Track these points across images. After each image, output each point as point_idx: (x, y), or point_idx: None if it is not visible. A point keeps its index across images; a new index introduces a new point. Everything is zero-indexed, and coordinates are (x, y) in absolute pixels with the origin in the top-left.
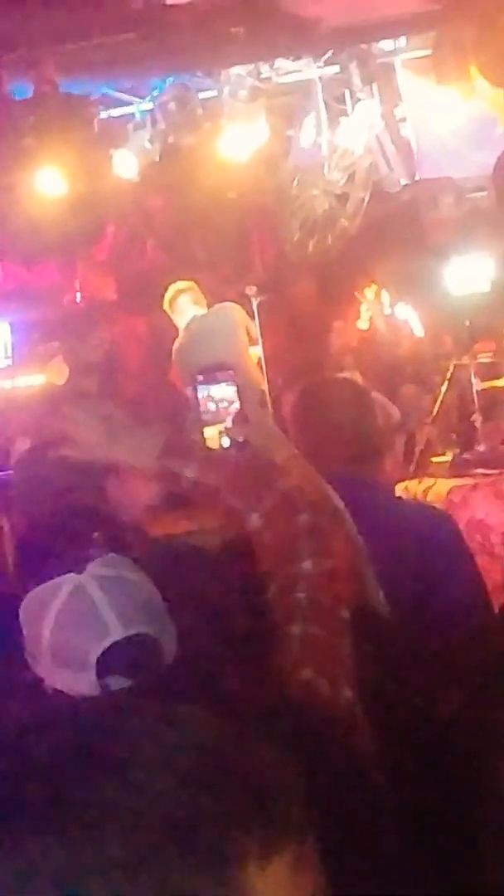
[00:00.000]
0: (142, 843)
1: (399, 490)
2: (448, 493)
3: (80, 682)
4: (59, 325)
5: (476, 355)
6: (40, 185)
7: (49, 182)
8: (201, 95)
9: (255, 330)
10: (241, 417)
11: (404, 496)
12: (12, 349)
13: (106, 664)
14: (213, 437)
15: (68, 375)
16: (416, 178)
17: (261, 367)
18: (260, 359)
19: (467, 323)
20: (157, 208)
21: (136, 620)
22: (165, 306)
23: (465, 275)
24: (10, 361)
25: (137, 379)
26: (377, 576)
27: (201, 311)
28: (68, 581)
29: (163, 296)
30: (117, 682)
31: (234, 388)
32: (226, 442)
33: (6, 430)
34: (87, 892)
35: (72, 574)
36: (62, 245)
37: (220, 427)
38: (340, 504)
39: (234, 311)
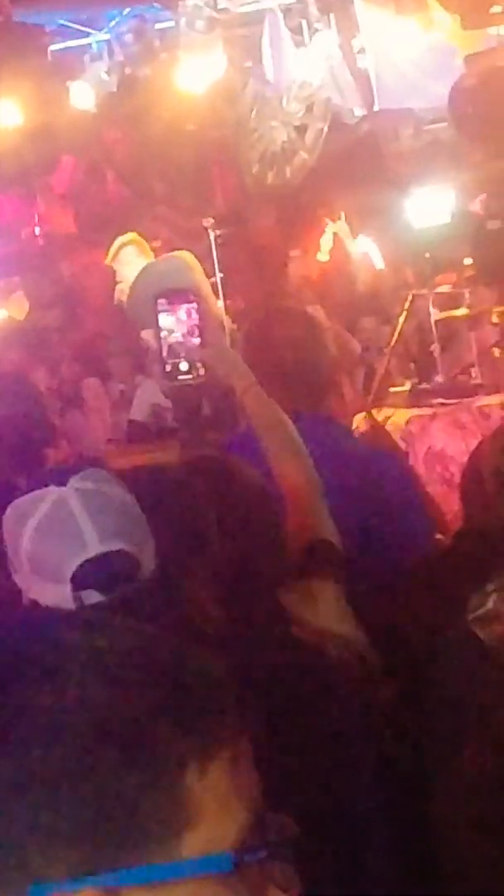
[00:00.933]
0: (77, 751)
1: (359, 421)
2: (407, 423)
3: (55, 595)
4: (18, 259)
5: (435, 287)
6: None
7: (4, 113)
8: (158, 26)
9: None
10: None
11: (363, 427)
12: None
13: (82, 578)
14: (176, 363)
15: (29, 310)
16: (375, 109)
17: (219, 300)
18: (218, 292)
19: (427, 255)
20: (115, 140)
21: (115, 536)
22: (108, 260)
23: (425, 207)
24: None
25: (98, 313)
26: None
27: (147, 261)
28: (50, 493)
29: (123, 228)
30: (92, 597)
31: (195, 309)
32: (184, 366)
33: None
34: (26, 802)
35: (53, 487)
36: (19, 176)
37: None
38: (294, 431)
39: (186, 255)
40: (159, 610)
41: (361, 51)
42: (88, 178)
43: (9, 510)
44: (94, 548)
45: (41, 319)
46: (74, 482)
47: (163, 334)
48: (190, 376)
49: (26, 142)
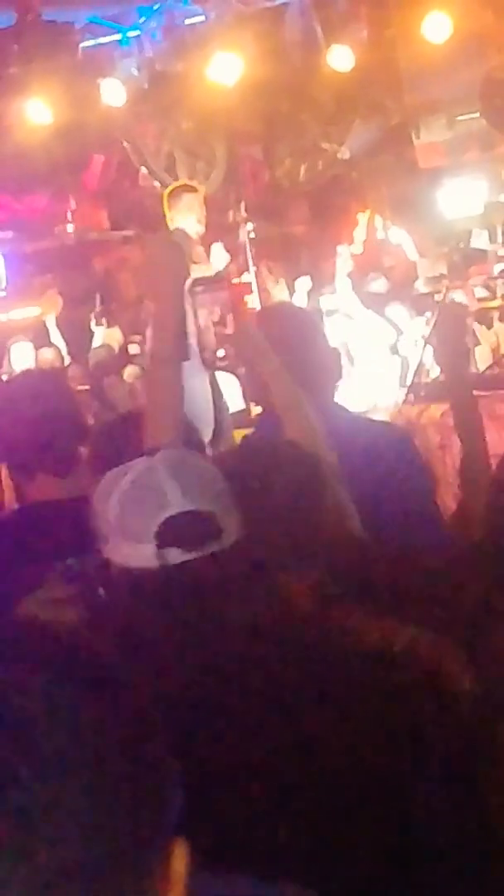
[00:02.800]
0: None
1: (393, 413)
2: (441, 415)
3: (140, 555)
4: (52, 256)
5: (469, 278)
6: (27, 114)
7: (36, 111)
8: (188, 21)
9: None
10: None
11: (398, 420)
12: (6, 281)
13: (166, 536)
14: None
15: (62, 306)
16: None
17: (253, 293)
18: (252, 286)
19: (461, 246)
20: (147, 136)
21: (199, 497)
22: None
23: (458, 198)
24: (4, 294)
25: (132, 308)
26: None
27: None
28: (138, 463)
29: (155, 225)
30: (176, 555)
31: (227, 297)
32: (220, 352)
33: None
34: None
35: (143, 458)
36: (50, 174)
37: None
38: (314, 416)
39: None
40: (243, 575)
41: (392, 42)
42: (120, 175)
43: (100, 482)
44: (178, 504)
45: (75, 316)
46: (163, 454)
47: (200, 321)
48: (225, 362)
49: (57, 139)
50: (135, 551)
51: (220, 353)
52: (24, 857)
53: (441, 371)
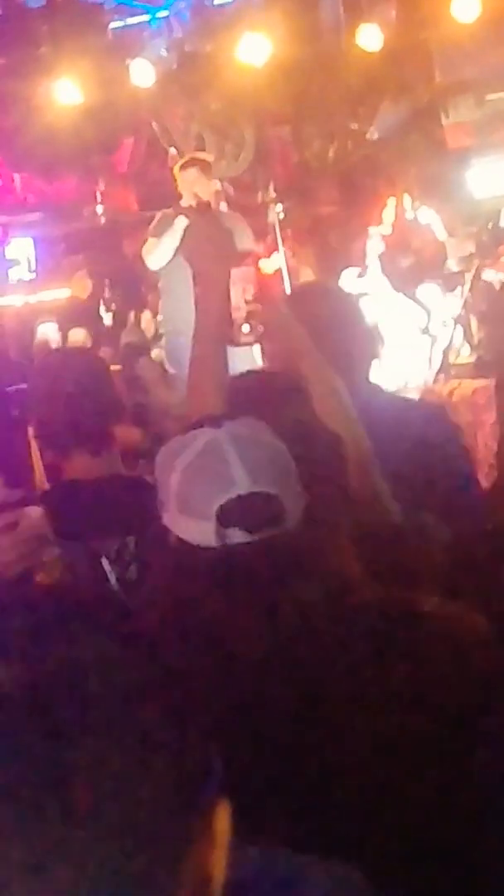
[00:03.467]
0: None
1: (424, 392)
2: (473, 393)
3: (201, 532)
4: (81, 238)
5: (498, 257)
6: (57, 95)
7: (65, 91)
8: (217, 1)
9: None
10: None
11: (429, 397)
12: (36, 263)
13: (228, 516)
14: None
15: (92, 289)
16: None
17: (282, 276)
18: (282, 268)
19: (490, 225)
20: (176, 117)
21: (264, 479)
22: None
23: (486, 177)
24: (34, 276)
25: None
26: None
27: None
28: (203, 434)
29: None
30: (237, 536)
31: (254, 273)
32: (245, 328)
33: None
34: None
35: (207, 428)
36: (80, 155)
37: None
38: (346, 396)
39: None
40: (303, 559)
41: (421, 21)
42: (149, 157)
43: (161, 451)
44: (244, 486)
45: (105, 298)
46: (229, 426)
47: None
48: (251, 338)
49: (87, 120)
50: (195, 527)
51: (245, 328)
52: (69, 811)
53: (488, 349)
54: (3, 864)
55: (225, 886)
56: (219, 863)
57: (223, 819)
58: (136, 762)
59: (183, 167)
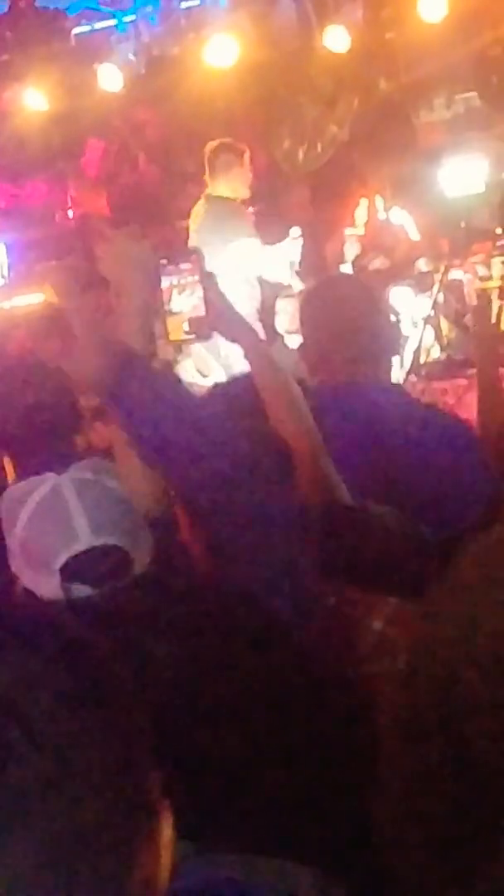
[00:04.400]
0: None
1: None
2: (442, 393)
3: (45, 585)
4: (54, 243)
5: (470, 256)
6: (24, 101)
7: (32, 98)
8: (184, 5)
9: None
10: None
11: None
12: (8, 269)
13: (72, 571)
14: (177, 327)
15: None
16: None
17: None
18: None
19: (462, 225)
20: (145, 121)
21: (108, 531)
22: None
23: (458, 177)
24: (5, 281)
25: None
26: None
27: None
28: (46, 481)
29: (156, 210)
30: (81, 590)
31: (197, 273)
32: (185, 326)
33: (5, 348)
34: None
35: (51, 474)
36: (48, 160)
37: (185, 317)
38: (297, 393)
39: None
40: (150, 607)
41: (387, 22)
42: (119, 160)
43: (5, 496)
44: (87, 540)
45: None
46: (73, 471)
47: (171, 307)
48: (192, 336)
49: (54, 126)
50: (40, 580)
51: (185, 326)
52: (21, 829)
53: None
54: None
55: (169, 892)
56: (163, 867)
57: (167, 819)
58: (79, 770)
59: (214, 154)
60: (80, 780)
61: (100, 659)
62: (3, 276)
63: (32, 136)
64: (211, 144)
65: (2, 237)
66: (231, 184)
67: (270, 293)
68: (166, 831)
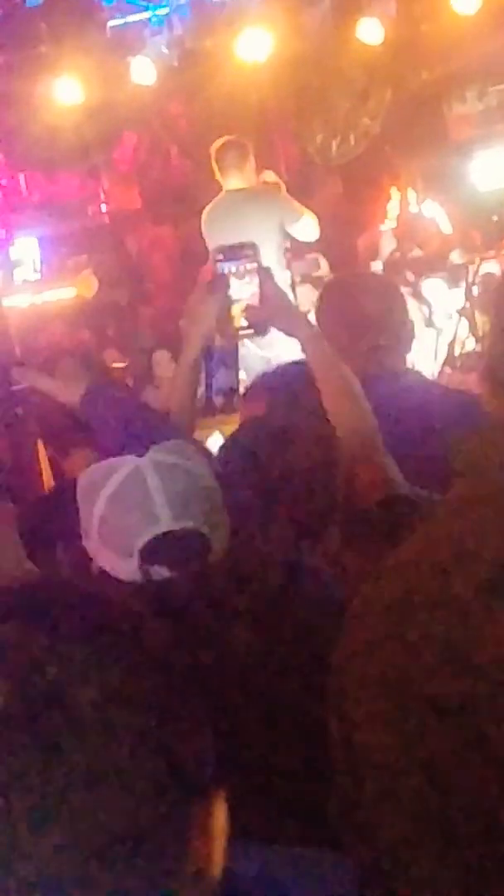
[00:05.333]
0: None
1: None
2: (479, 386)
3: (124, 567)
4: (86, 237)
5: (503, 249)
6: (57, 94)
7: (66, 90)
8: None
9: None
10: (261, 297)
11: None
12: (41, 263)
13: (151, 553)
14: (237, 314)
15: (97, 288)
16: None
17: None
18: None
19: (495, 218)
20: (177, 114)
21: (188, 514)
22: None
23: (491, 169)
24: (38, 276)
25: (166, 288)
26: (405, 460)
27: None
28: (127, 462)
29: (188, 203)
30: (160, 573)
31: (255, 266)
32: (243, 321)
33: (38, 342)
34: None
35: (131, 456)
36: (82, 154)
37: (241, 305)
38: (357, 385)
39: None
40: (227, 592)
41: (421, 14)
42: (152, 154)
43: (84, 476)
44: (167, 524)
45: (110, 296)
46: (154, 453)
47: (231, 295)
48: (251, 331)
49: (87, 119)
50: (118, 562)
51: (242, 322)
52: (65, 823)
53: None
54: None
55: (223, 880)
56: (216, 855)
57: (221, 811)
58: (131, 755)
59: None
60: (127, 773)
61: (158, 652)
62: (35, 271)
63: (66, 130)
64: (216, 144)
65: (34, 231)
66: (245, 176)
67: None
68: (219, 821)
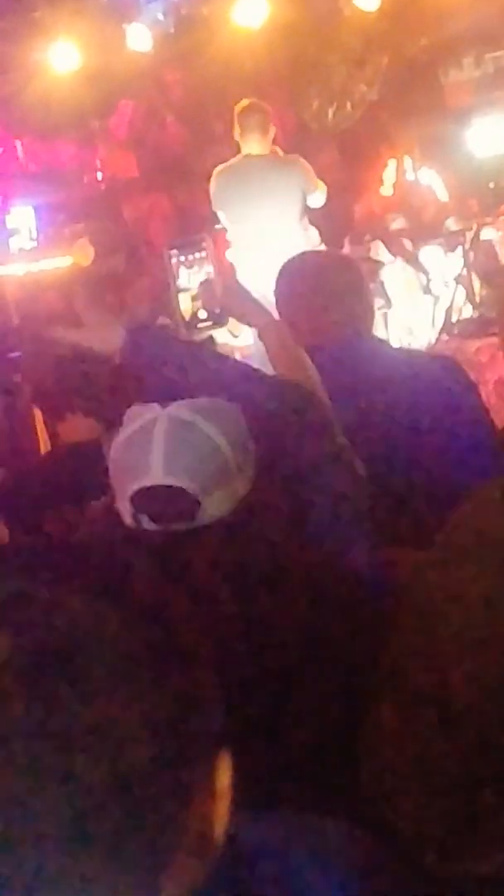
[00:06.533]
0: None
1: (428, 350)
2: (475, 352)
3: (124, 510)
4: (82, 205)
5: (499, 216)
6: (53, 59)
7: (62, 56)
8: None
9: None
10: (212, 285)
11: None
12: (37, 232)
13: (139, 503)
14: (188, 306)
15: (94, 256)
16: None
17: None
18: None
19: (491, 185)
20: (173, 81)
21: (180, 471)
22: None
23: (487, 136)
24: (35, 244)
25: (163, 257)
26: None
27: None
28: (152, 410)
29: (184, 171)
30: (147, 523)
31: (204, 255)
32: (202, 314)
33: (35, 311)
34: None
35: (157, 405)
36: (78, 120)
37: (193, 294)
38: (313, 370)
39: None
40: (214, 554)
41: None
42: (148, 121)
43: (126, 413)
44: (155, 477)
45: (107, 265)
46: (175, 407)
47: (179, 283)
48: (209, 322)
49: (84, 86)
50: (121, 503)
51: (202, 314)
52: (66, 777)
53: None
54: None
55: (227, 846)
56: (220, 818)
57: (224, 773)
58: (128, 723)
59: (244, 113)
60: (129, 731)
61: (168, 618)
62: (31, 239)
63: (62, 97)
64: (242, 104)
65: (30, 200)
66: (266, 142)
67: None
68: (223, 784)
